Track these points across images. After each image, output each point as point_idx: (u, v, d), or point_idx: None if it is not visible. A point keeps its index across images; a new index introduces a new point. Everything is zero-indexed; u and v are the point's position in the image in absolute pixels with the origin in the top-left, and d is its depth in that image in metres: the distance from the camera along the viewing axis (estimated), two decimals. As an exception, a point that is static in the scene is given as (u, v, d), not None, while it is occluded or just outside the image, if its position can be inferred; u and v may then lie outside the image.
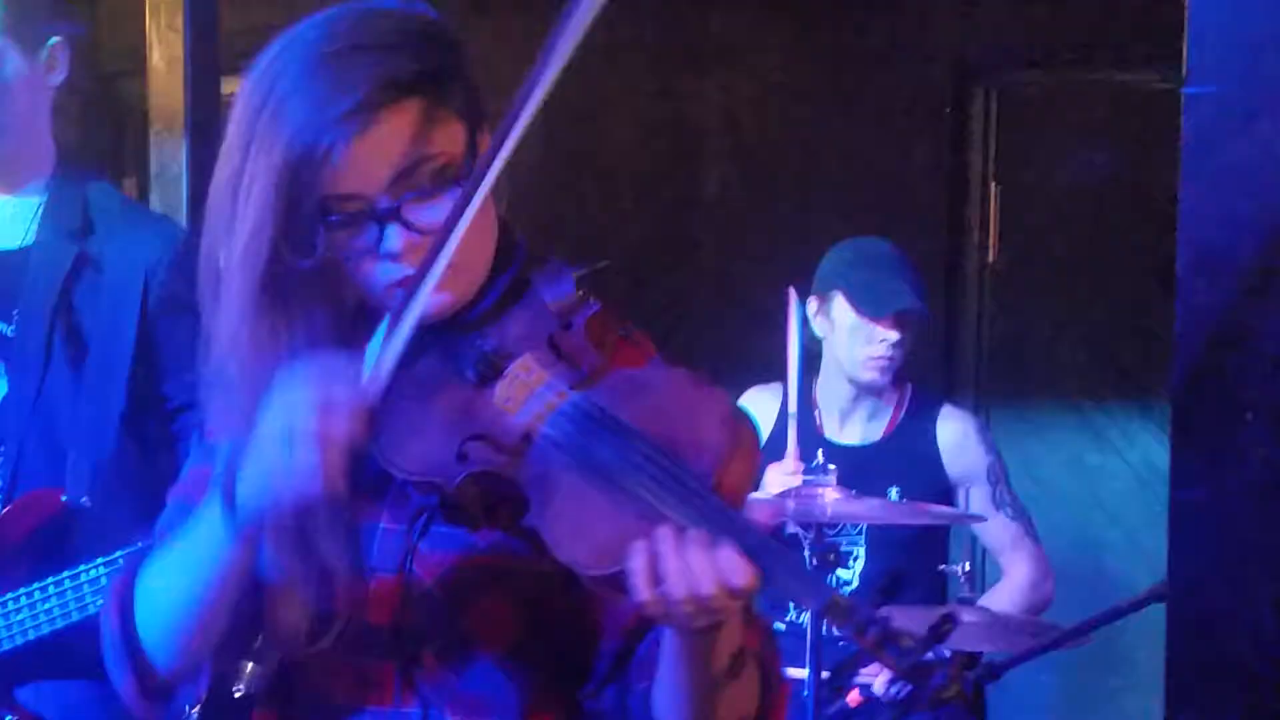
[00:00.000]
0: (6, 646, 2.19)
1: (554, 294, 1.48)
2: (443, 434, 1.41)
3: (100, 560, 2.15)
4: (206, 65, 4.02)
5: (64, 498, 2.24)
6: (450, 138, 1.44)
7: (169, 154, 3.94)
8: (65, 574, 2.18)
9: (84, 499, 2.23)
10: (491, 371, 1.43)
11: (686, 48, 5.45)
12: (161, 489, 2.30)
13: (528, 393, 1.41)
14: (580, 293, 1.49)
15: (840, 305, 3.74)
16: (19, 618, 2.18)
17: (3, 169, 2.24)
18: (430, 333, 1.46)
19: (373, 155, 1.40)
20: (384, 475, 1.46)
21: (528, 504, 1.38)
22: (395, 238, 1.42)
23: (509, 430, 1.40)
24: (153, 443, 2.33)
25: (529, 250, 1.54)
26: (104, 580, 2.13)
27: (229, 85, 4.22)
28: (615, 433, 1.36)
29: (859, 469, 3.55)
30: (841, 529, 3.71)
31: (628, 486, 1.33)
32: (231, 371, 1.45)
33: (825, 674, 3.18)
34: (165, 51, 3.95)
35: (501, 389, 1.42)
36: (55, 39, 2.24)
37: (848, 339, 3.71)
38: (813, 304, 3.78)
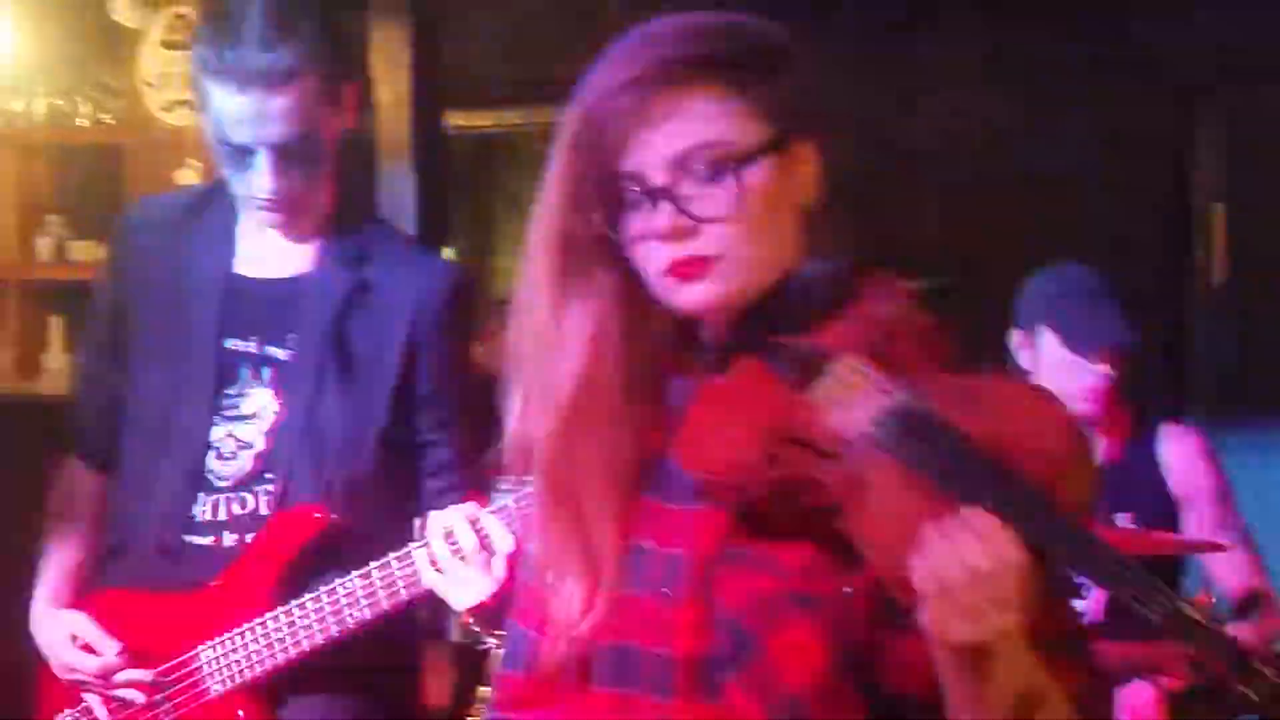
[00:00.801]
0: (268, 664, 2.25)
1: (881, 305, 1.44)
2: (750, 434, 1.36)
3: (355, 575, 2.21)
4: (430, 100, 4.16)
5: (321, 515, 2.30)
6: (739, 129, 1.41)
7: (397, 186, 4.07)
8: (323, 590, 2.24)
9: (340, 516, 2.30)
10: (811, 372, 1.37)
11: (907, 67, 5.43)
12: (408, 513, 2.38)
13: (852, 394, 1.35)
14: (910, 306, 1.45)
15: (1048, 340, 3.66)
16: (279, 635, 2.25)
17: (299, 211, 2.31)
18: (732, 328, 1.44)
19: (652, 134, 1.40)
20: (675, 486, 1.43)
21: (840, 510, 1.33)
22: (664, 218, 1.41)
23: (826, 432, 1.35)
24: (403, 469, 2.40)
25: (855, 254, 1.48)
26: (359, 594, 2.20)
27: (452, 119, 4.38)
28: (946, 436, 1.30)
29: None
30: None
31: (955, 492, 1.27)
32: (529, 349, 1.47)
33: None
34: (392, 88, 4.09)
35: (821, 389, 1.36)
36: (353, 82, 2.32)
37: (1057, 374, 3.62)
38: (1016, 337, 3.70)
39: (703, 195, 1.40)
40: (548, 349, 1.45)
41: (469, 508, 2.15)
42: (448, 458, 2.40)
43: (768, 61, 1.43)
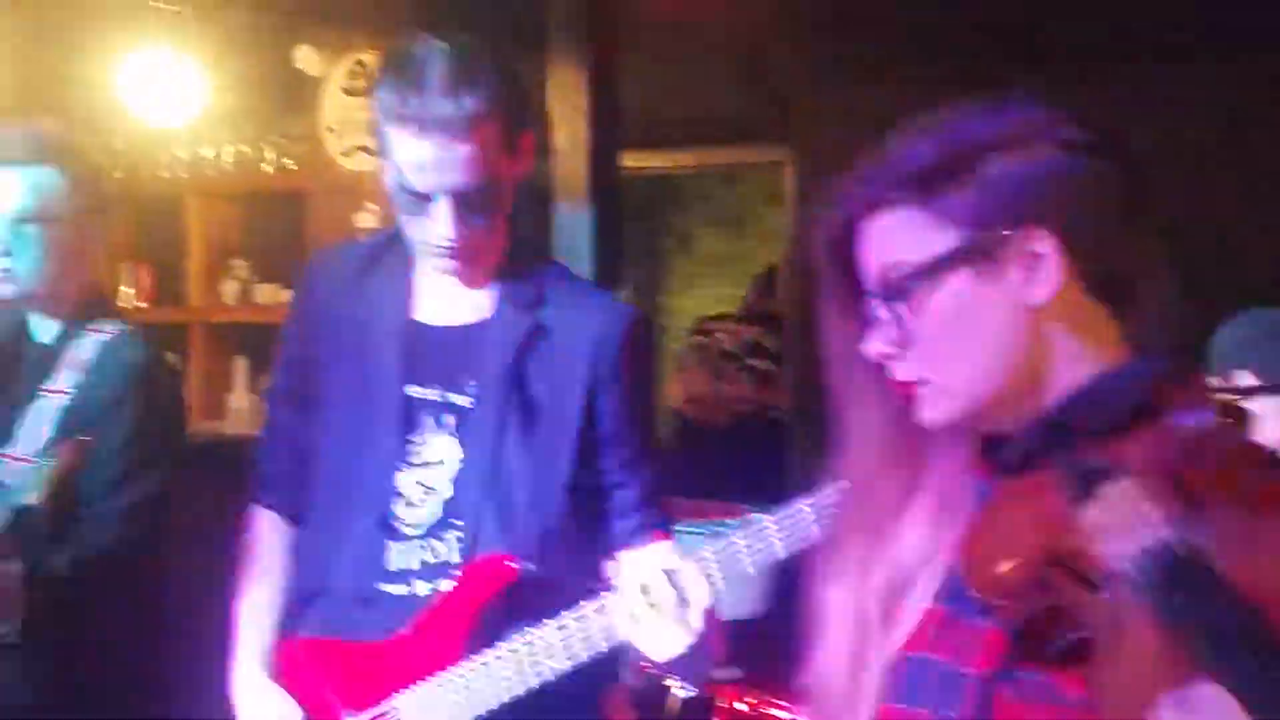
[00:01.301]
0: (466, 715, 2.25)
1: (1188, 418, 1.32)
2: (1027, 552, 1.27)
3: (549, 624, 2.20)
4: (607, 143, 4.19)
5: (513, 563, 2.29)
6: (918, 243, 1.37)
7: (573, 228, 4.10)
8: (518, 639, 2.22)
9: (531, 564, 2.28)
10: (1089, 490, 1.26)
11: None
12: (594, 558, 2.37)
13: (1122, 523, 1.24)
14: (1222, 422, 1.36)
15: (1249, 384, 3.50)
16: (478, 685, 2.24)
17: (477, 256, 2.32)
18: (1026, 433, 1.37)
19: (866, 257, 1.41)
20: (963, 596, 1.33)
21: (1092, 648, 1.23)
22: (872, 345, 1.39)
23: (1094, 561, 1.23)
24: (589, 512, 2.39)
25: (1165, 362, 1.37)
26: (556, 645, 2.18)
27: (624, 159, 4.40)
28: (1210, 591, 1.17)
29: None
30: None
31: (1205, 661, 1.15)
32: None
33: None
34: (569, 131, 4.12)
35: (1095, 512, 1.25)
36: (529, 128, 2.32)
37: (1265, 422, 3.46)
38: (1213, 382, 3.54)
39: (896, 318, 1.37)
40: (844, 440, 1.45)
41: (664, 554, 2.13)
42: (635, 498, 2.38)
43: (955, 165, 1.37)
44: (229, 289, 5.50)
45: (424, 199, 2.22)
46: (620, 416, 2.36)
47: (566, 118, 4.10)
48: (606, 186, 4.18)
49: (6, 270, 2.64)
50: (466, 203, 2.22)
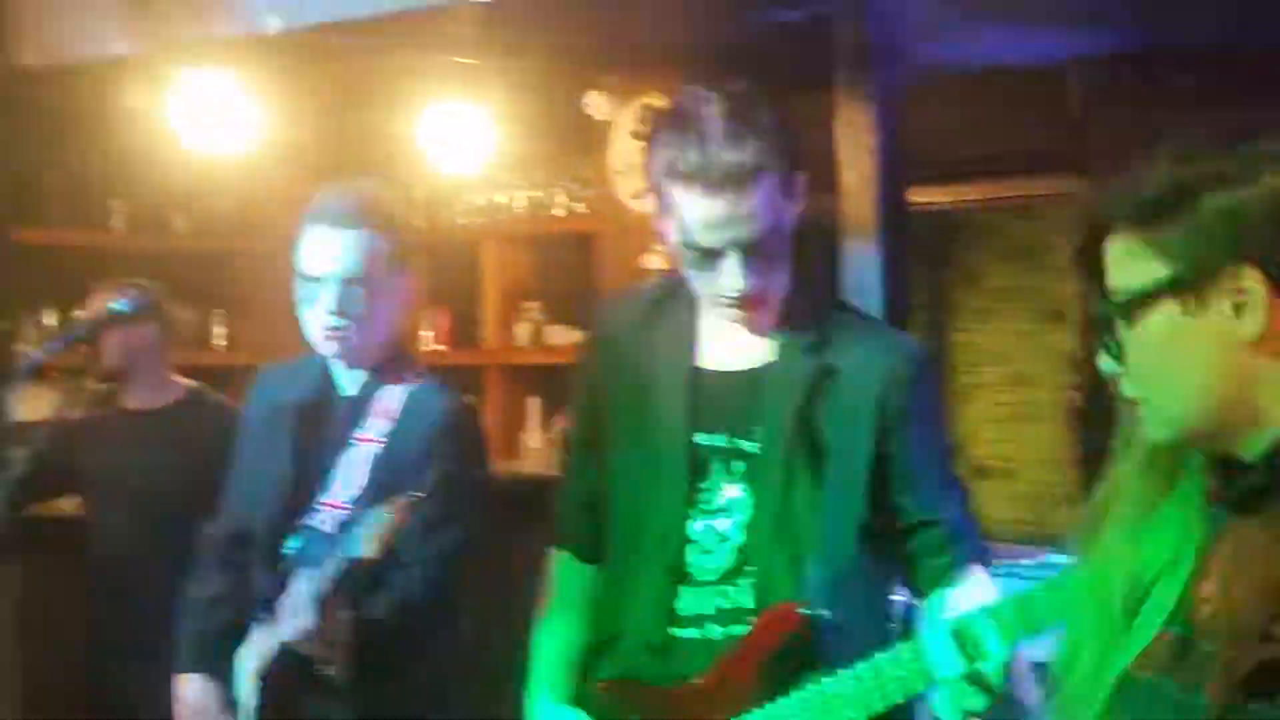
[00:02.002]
0: None
1: None
2: (1254, 598, 1.28)
3: (845, 674, 2.17)
4: (895, 180, 4.15)
5: (805, 610, 2.27)
6: (1135, 272, 1.40)
7: (861, 266, 4.07)
8: (812, 689, 2.21)
9: (825, 612, 2.26)
10: None
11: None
12: (886, 604, 2.34)
13: None
14: None
15: None
16: None
17: (763, 304, 2.32)
18: (1249, 471, 1.38)
19: (1107, 264, 1.44)
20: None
21: None
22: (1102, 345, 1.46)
23: None
24: (886, 555, 2.36)
25: None
26: (851, 695, 2.16)
27: (910, 195, 4.36)
28: None
29: None
30: None
31: None
32: None
33: None
34: (855, 170, 4.10)
35: None
36: (803, 173, 2.30)
37: None
38: None
39: (1116, 338, 1.41)
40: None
41: (978, 593, 2.09)
42: (942, 536, 2.34)
43: (1175, 198, 1.38)
44: (522, 331, 5.63)
45: (711, 254, 2.22)
46: (914, 455, 2.31)
47: (853, 156, 4.08)
48: (894, 224, 4.14)
49: (336, 329, 2.76)
50: (753, 253, 2.21)
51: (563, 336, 5.52)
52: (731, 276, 2.22)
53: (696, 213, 2.18)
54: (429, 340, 5.67)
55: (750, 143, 2.16)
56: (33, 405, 3.96)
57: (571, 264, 5.50)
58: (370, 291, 2.76)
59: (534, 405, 5.63)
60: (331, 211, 2.78)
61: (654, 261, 5.13)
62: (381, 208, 2.84)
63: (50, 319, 5.29)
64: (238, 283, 5.87)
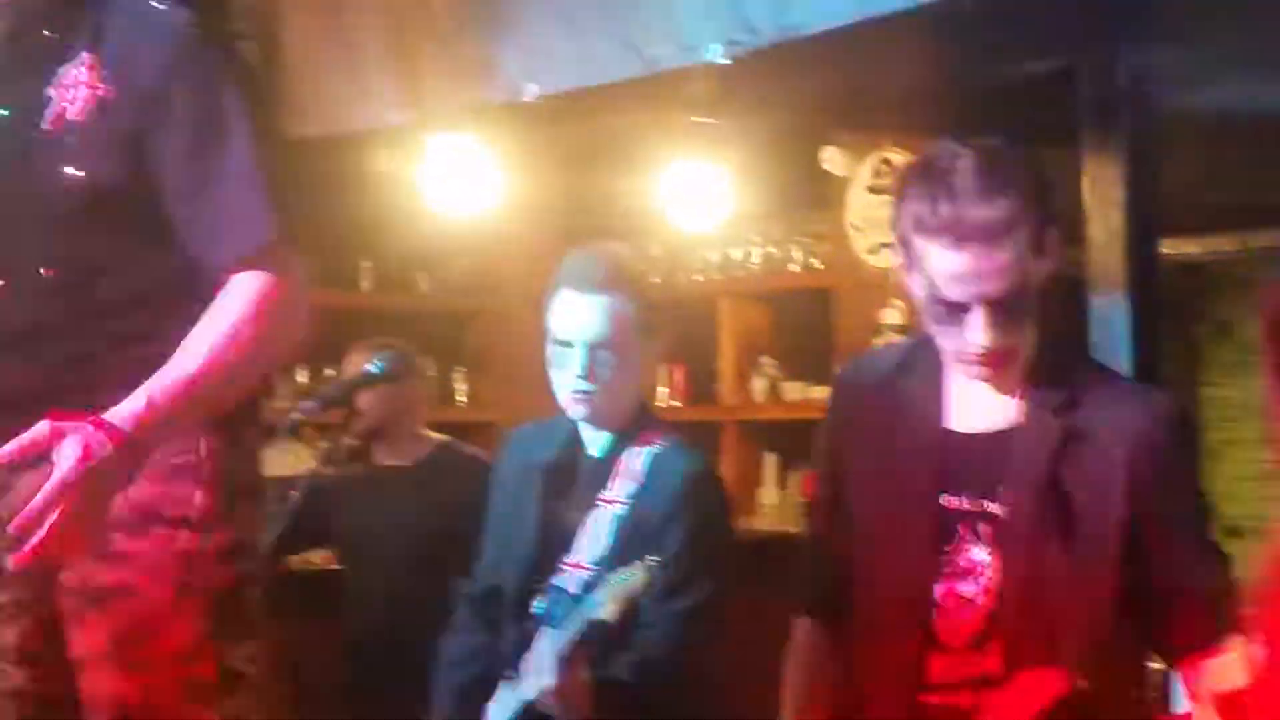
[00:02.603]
0: None
1: None
2: None
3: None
4: (1145, 233, 4.04)
5: (1060, 677, 2.23)
6: None
7: (1111, 321, 3.97)
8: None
9: (1079, 678, 2.21)
10: None
11: None
12: (1142, 671, 2.27)
13: None
14: None
15: None
16: None
17: (1009, 362, 2.28)
18: None
19: None
20: None
21: None
22: None
23: None
24: (1140, 622, 2.28)
25: None
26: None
27: (1166, 247, 4.24)
28: None
29: None
30: None
31: None
32: None
33: None
34: (1104, 223, 4.01)
35: None
36: (1054, 227, 2.26)
37: None
38: None
39: None
40: None
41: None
42: (1200, 602, 2.26)
43: None
44: (758, 387, 5.63)
45: (959, 309, 2.19)
46: (1168, 518, 2.25)
47: (1101, 209, 3.99)
48: (1144, 277, 4.03)
49: (584, 392, 2.80)
50: (1001, 309, 2.18)
51: (799, 392, 5.50)
52: (978, 332, 2.19)
53: (943, 266, 2.16)
54: (665, 396, 5.70)
55: (1001, 197, 2.14)
56: (285, 461, 4.10)
57: (808, 320, 5.48)
58: (617, 356, 2.80)
59: (770, 461, 5.62)
60: (580, 276, 2.83)
61: (892, 317, 5.09)
62: (629, 272, 2.88)
63: (302, 376, 5.48)
64: (479, 340, 6.00)
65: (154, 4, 2.05)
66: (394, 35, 3.46)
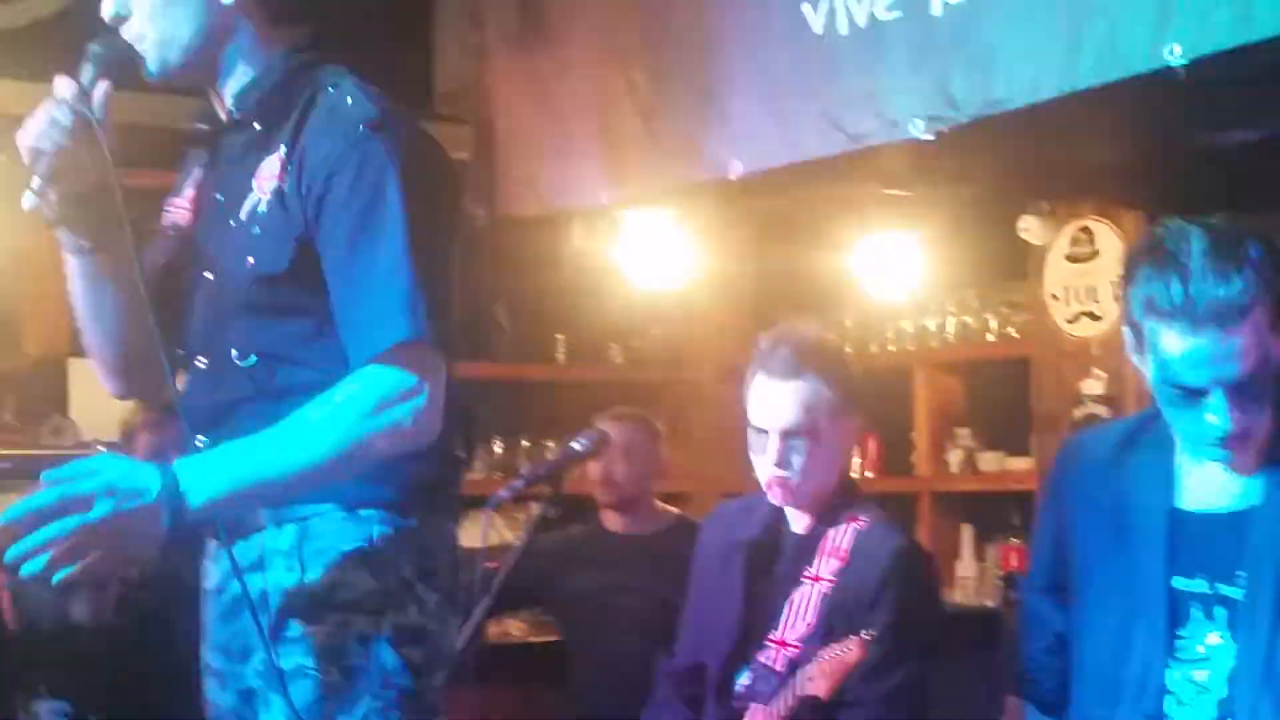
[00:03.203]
0: None
1: None
2: None
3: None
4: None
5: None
6: None
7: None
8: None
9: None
10: None
11: None
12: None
13: None
14: None
15: None
16: None
17: (1248, 443, 2.22)
18: None
19: None
20: None
21: None
22: None
23: None
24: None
25: None
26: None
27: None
28: None
29: None
30: None
31: None
32: None
33: None
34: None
35: None
36: None
37: None
38: None
39: None
40: None
41: None
42: None
43: None
44: (954, 457, 5.56)
45: (1195, 393, 2.13)
46: None
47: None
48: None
49: (781, 478, 2.81)
50: (1241, 392, 2.11)
51: (996, 463, 5.42)
52: (1216, 416, 2.12)
53: (1179, 350, 2.10)
54: (859, 467, 5.66)
55: (1236, 277, 2.07)
56: (485, 533, 4.15)
57: (1005, 390, 5.40)
58: (813, 441, 2.81)
59: (967, 534, 5.54)
60: (773, 362, 2.84)
61: (1092, 387, 4.98)
62: (823, 354, 2.88)
63: (498, 447, 5.56)
64: (672, 411, 6.02)
65: (346, 99, 2.09)
66: (600, 117, 3.53)
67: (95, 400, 4.42)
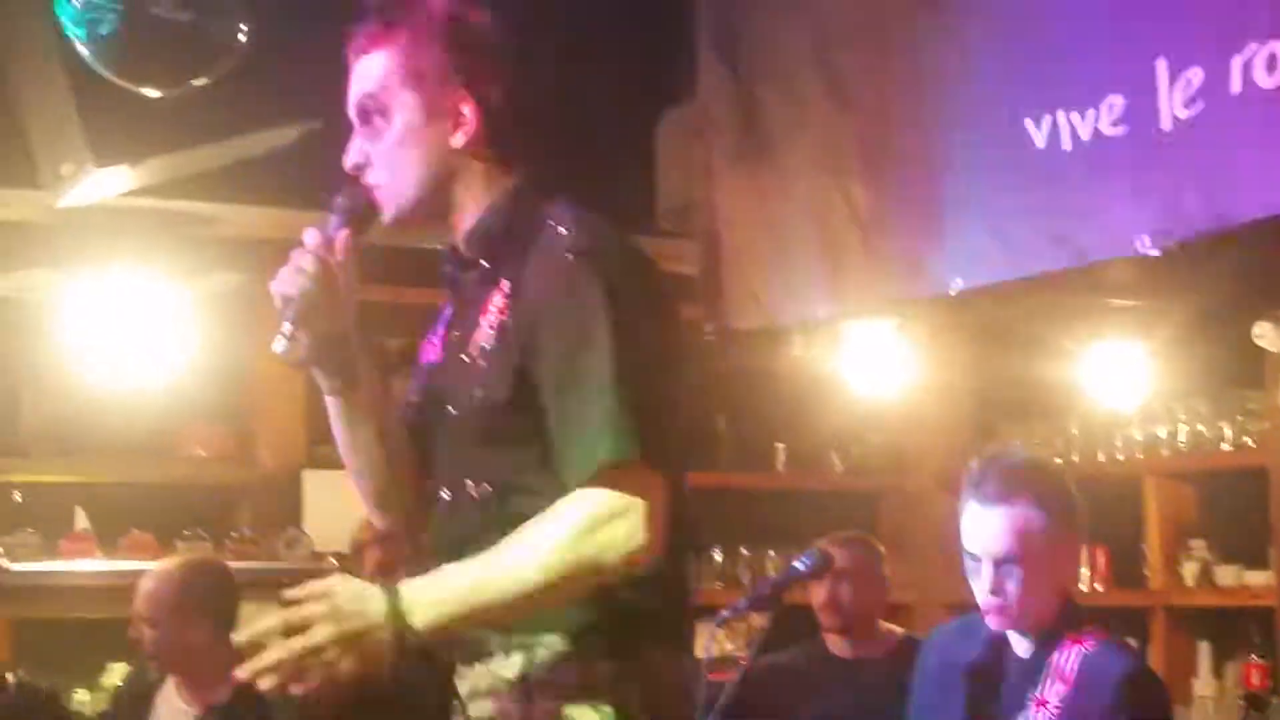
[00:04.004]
0: None
1: None
2: None
3: None
4: None
5: None
6: None
7: None
8: None
9: None
10: None
11: None
12: None
13: None
14: None
15: None
16: None
17: None
18: None
19: None
20: None
21: None
22: None
23: None
24: None
25: None
26: None
27: None
28: None
29: None
30: None
31: None
32: None
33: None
34: None
35: None
36: None
37: None
38: None
39: None
40: None
41: None
42: None
43: None
44: (1189, 570, 5.37)
45: None
46: None
47: None
48: None
49: (998, 605, 2.78)
50: None
51: (1233, 577, 5.22)
52: None
53: None
54: (1087, 579, 5.50)
55: None
56: (705, 646, 4.15)
57: (1241, 500, 5.22)
58: (1028, 567, 2.77)
59: (1204, 650, 5.33)
60: (983, 488, 2.81)
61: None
62: (1035, 478, 2.85)
63: (718, 556, 5.56)
64: (892, 520, 5.96)
65: (562, 229, 2.14)
66: (819, 231, 3.55)
67: (328, 512, 4.58)
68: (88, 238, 4.11)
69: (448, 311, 2.34)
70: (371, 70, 2.22)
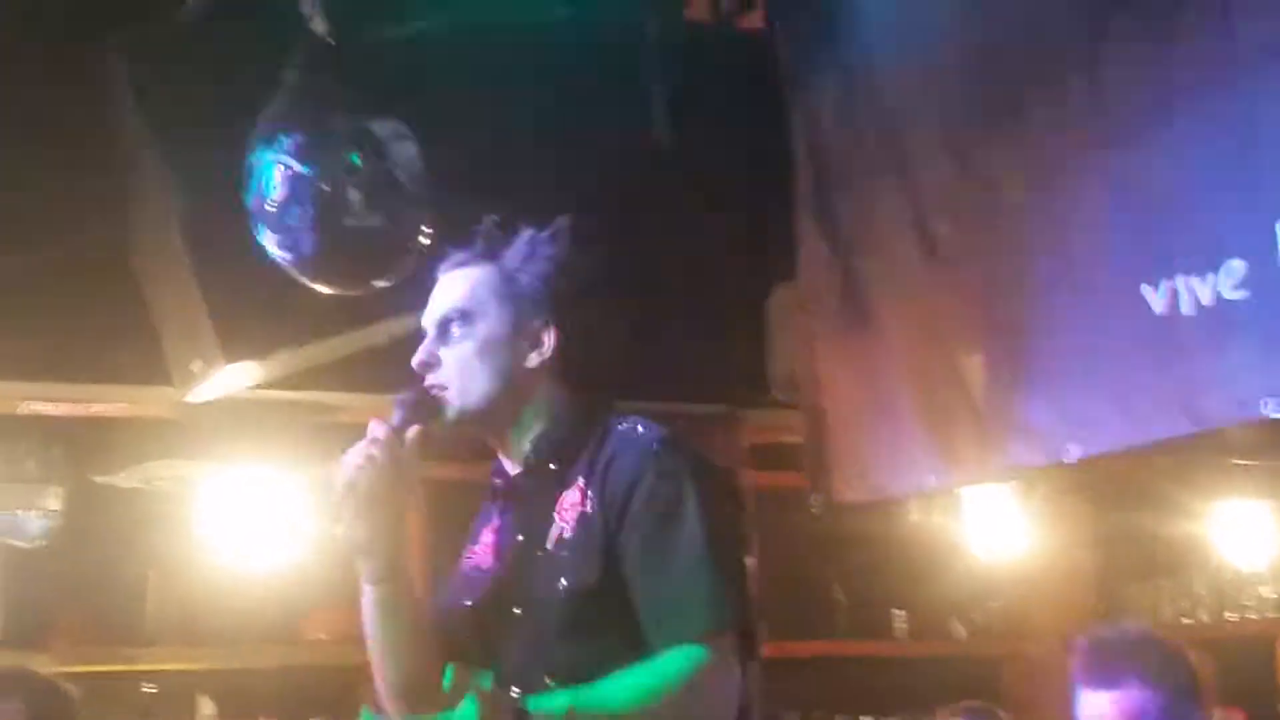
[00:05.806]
0: None
1: None
2: None
3: None
4: None
5: None
6: None
7: None
8: None
9: None
10: None
11: None
12: None
13: None
14: None
15: None
16: None
17: None
18: None
19: None
20: None
21: None
22: None
23: None
24: None
25: None
26: None
27: None
28: None
29: None
30: None
31: None
32: None
33: None
34: None
35: None
36: None
37: None
38: None
39: None
40: None
41: None
42: None
43: None
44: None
45: None
46: None
47: None
48: None
49: None
50: None
51: None
52: None
53: None
54: (1223, 742, 5.34)
55: None
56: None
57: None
58: None
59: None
60: (1089, 671, 2.76)
61: None
62: (1146, 655, 2.79)
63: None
64: (1015, 685, 5.83)
65: (637, 427, 2.28)
66: (926, 401, 3.53)
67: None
68: (215, 430, 4.18)
69: (496, 520, 2.40)
70: (464, 283, 2.34)
